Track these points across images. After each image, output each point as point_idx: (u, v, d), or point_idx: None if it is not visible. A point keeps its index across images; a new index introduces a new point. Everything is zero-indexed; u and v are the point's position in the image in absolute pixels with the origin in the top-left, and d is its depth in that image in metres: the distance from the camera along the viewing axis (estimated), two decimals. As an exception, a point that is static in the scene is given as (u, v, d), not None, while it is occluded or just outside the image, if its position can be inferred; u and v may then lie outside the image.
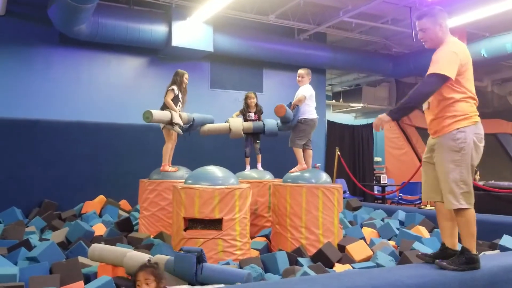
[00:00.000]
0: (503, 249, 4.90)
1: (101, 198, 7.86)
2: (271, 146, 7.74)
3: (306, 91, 5.61)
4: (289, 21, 9.88)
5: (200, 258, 3.41)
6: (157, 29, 8.70)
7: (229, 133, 6.44)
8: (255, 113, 6.64)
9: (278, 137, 6.74)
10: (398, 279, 2.87)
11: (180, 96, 6.03)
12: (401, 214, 6.85)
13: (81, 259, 4.08)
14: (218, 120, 6.74)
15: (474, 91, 3.23)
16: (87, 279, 3.75)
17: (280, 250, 4.78)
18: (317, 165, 5.77)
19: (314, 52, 10.61)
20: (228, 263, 4.17)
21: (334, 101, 15.00)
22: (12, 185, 7.60)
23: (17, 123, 7.82)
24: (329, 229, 5.06)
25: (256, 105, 6.68)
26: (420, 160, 8.56)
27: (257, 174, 6.43)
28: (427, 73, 3.16)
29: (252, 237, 5.41)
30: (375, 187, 11.89)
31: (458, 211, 3.13)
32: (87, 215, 6.76)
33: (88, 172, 8.28)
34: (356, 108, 14.93)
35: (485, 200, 6.68)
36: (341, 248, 4.89)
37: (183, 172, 5.99)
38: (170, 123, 5.78)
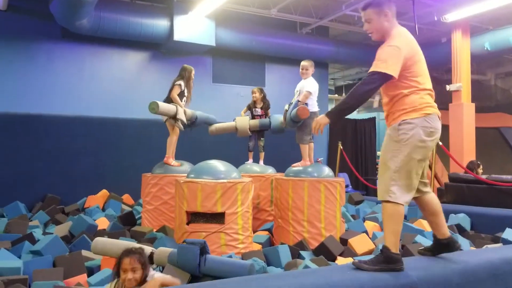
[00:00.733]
0: (506, 242, 4.91)
1: (104, 193, 7.89)
2: (273, 141, 7.73)
3: (311, 87, 5.42)
4: (291, 15, 9.85)
5: (203, 250, 3.41)
6: (159, 24, 8.69)
7: (236, 131, 6.46)
8: (261, 108, 6.64)
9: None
10: (401, 273, 2.88)
11: (185, 91, 6.04)
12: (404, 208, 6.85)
13: (84, 252, 4.10)
14: (220, 115, 6.77)
15: (427, 82, 3.04)
16: (90, 272, 3.77)
17: (282, 243, 4.80)
18: (319, 159, 5.75)
19: (317, 46, 10.58)
20: (230, 257, 4.18)
21: (336, 95, 14.99)
22: (15, 180, 7.64)
23: (20, 118, 7.84)
24: (331, 222, 5.07)
25: (263, 100, 6.67)
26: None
27: (259, 168, 6.43)
28: (369, 70, 2.99)
29: (254, 231, 5.43)
30: (378, 181, 11.86)
31: (387, 204, 2.94)
32: (90, 209, 6.79)
33: (91, 166, 8.30)
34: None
35: (488, 194, 6.66)
36: (343, 241, 4.90)
37: (185, 166, 6.01)
38: (174, 117, 5.79)
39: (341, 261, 4.31)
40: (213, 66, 10.19)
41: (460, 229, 5.66)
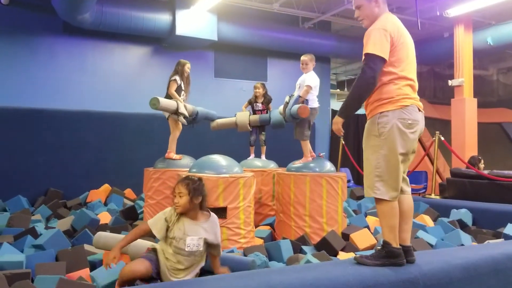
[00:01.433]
0: (508, 237, 4.91)
1: (106, 187, 7.91)
2: (275, 136, 7.74)
3: (311, 81, 5.37)
4: (293, 10, 9.83)
5: (205, 245, 3.43)
6: (161, 18, 8.68)
7: (236, 127, 6.46)
8: (262, 103, 6.63)
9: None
10: (404, 267, 2.89)
11: (183, 86, 6.03)
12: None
13: (87, 246, 4.10)
14: (221, 109, 6.77)
15: (409, 70, 2.96)
16: (93, 266, 3.78)
17: (284, 238, 4.80)
18: (321, 154, 5.73)
19: (319, 40, 10.57)
20: (232, 251, 4.19)
21: (338, 90, 14.98)
22: (17, 174, 7.66)
23: (22, 112, 7.85)
24: (333, 217, 5.07)
25: (264, 95, 6.66)
26: (425, 149, 8.54)
27: (261, 163, 6.43)
28: (363, 53, 2.94)
29: (256, 226, 5.43)
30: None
31: (377, 200, 2.92)
32: (93, 204, 6.80)
33: (93, 161, 8.32)
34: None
35: (490, 189, 6.66)
36: (345, 236, 4.90)
37: (187, 160, 6.00)
38: (176, 112, 5.79)
39: (342, 256, 4.32)
40: (215, 61, 10.18)
41: (461, 225, 5.66)
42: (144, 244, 3.65)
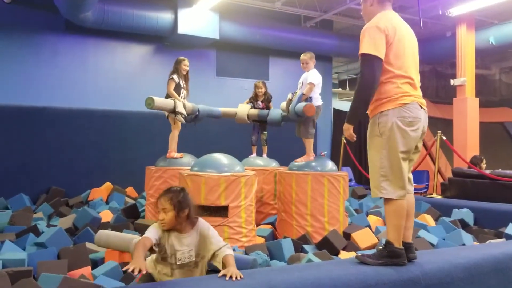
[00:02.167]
0: (509, 237, 4.90)
1: (107, 185, 7.92)
2: (277, 135, 7.73)
3: (314, 79, 5.36)
4: (295, 9, 9.82)
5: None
6: (163, 17, 8.68)
7: (234, 117, 6.47)
8: (262, 101, 6.64)
9: (284, 126, 6.72)
10: (404, 267, 2.89)
11: (182, 83, 6.03)
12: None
13: (88, 245, 4.11)
14: (223, 108, 6.76)
15: (407, 68, 2.93)
16: (94, 264, 3.79)
17: (285, 237, 4.80)
18: (323, 153, 5.74)
19: (321, 39, 10.56)
20: (234, 250, 4.18)
21: (340, 89, 14.97)
22: (19, 172, 7.67)
23: (24, 110, 7.86)
24: (335, 216, 5.07)
25: (265, 94, 6.67)
26: (426, 148, 8.53)
27: (263, 161, 6.43)
28: (359, 53, 2.94)
29: (257, 225, 5.43)
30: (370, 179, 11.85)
31: (385, 200, 2.92)
32: (94, 202, 6.81)
33: (95, 159, 8.33)
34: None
35: (492, 189, 6.66)
36: (347, 235, 4.90)
37: (189, 159, 6.01)
38: (173, 111, 5.78)
39: (344, 255, 4.32)
40: (217, 59, 10.18)
41: (463, 224, 5.66)
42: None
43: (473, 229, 5.52)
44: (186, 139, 6.45)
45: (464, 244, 4.62)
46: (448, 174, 8.38)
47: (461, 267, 3.03)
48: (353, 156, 9.81)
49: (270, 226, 5.54)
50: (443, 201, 6.85)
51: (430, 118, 3.16)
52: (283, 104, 5.91)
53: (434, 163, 8.39)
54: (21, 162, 7.72)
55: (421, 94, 3.01)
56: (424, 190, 9.65)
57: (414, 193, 3.14)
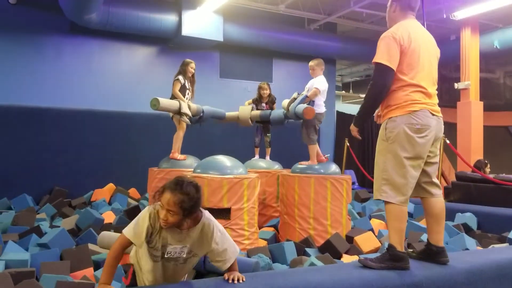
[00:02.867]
0: (512, 242, 4.89)
1: (110, 186, 7.93)
2: (280, 137, 7.73)
3: (320, 85, 5.41)
4: (299, 11, 9.83)
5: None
6: (167, 18, 8.70)
7: (238, 120, 6.47)
8: (266, 103, 6.64)
9: (287, 128, 6.74)
10: (407, 271, 2.88)
11: (187, 85, 6.04)
12: (409, 206, 6.83)
13: (91, 246, 4.12)
14: (227, 110, 6.77)
15: (420, 77, 2.96)
16: (97, 265, 3.79)
17: (288, 240, 4.79)
18: (326, 156, 5.74)
19: (324, 42, 10.56)
20: (236, 252, 4.18)
21: (344, 91, 14.96)
22: (23, 173, 7.68)
23: (28, 111, 7.88)
24: (338, 220, 5.06)
25: (269, 95, 6.68)
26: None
27: (266, 164, 6.43)
28: (372, 61, 3.01)
29: (260, 227, 5.43)
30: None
31: (385, 203, 2.95)
32: (97, 203, 6.82)
33: (98, 160, 8.34)
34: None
35: (496, 193, 6.63)
36: (349, 239, 4.89)
37: (192, 161, 6.01)
38: (178, 112, 5.79)
39: (346, 258, 4.31)
40: (220, 61, 10.19)
41: (466, 228, 5.64)
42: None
43: (476, 233, 5.50)
44: (189, 141, 6.45)
45: (467, 249, 4.60)
46: (452, 178, 8.35)
47: (464, 271, 3.02)
48: (356, 159, 9.80)
49: (272, 229, 5.54)
50: (447, 205, 6.74)
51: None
52: (285, 102, 5.90)
53: (437, 167, 8.36)
54: (24, 163, 7.74)
55: (435, 101, 3.04)
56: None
57: (417, 197, 3.14)
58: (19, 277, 3.05)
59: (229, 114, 6.68)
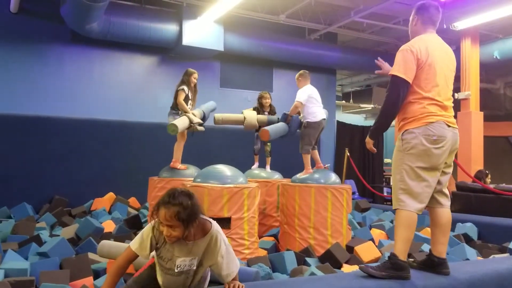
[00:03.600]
0: (513, 252, 4.87)
1: (110, 195, 7.92)
2: (280, 147, 7.73)
3: (300, 96, 5.46)
4: (300, 21, 9.87)
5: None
6: (168, 28, 8.74)
7: (242, 123, 6.41)
8: (268, 113, 6.65)
9: (287, 138, 6.71)
10: (407, 281, 2.87)
11: (190, 95, 6.07)
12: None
13: (91, 255, 4.11)
14: (228, 119, 6.77)
15: (436, 91, 3.00)
16: (96, 274, 3.78)
17: (288, 250, 4.78)
18: (326, 165, 5.75)
19: (325, 52, 10.59)
20: (236, 262, 4.17)
21: (344, 101, 14.97)
22: (23, 181, 7.68)
23: (29, 120, 7.89)
24: (338, 229, 5.05)
25: (270, 105, 6.69)
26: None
27: (266, 173, 6.43)
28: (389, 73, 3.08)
29: (260, 237, 5.42)
30: (385, 189, 11.84)
31: (398, 210, 2.98)
32: (97, 212, 6.81)
33: (98, 169, 8.34)
34: (366, 109, 14.88)
35: (496, 203, 6.62)
36: (350, 249, 4.88)
37: (192, 170, 6.01)
38: (191, 125, 5.85)
39: (347, 268, 4.30)
40: (221, 71, 10.22)
41: (467, 239, 5.63)
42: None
43: (477, 243, 5.49)
44: (189, 150, 6.46)
45: (467, 259, 4.59)
46: (452, 188, 8.35)
47: (464, 282, 3.01)
48: (357, 169, 9.80)
49: (272, 238, 5.52)
50: (447, 215, 6.80)
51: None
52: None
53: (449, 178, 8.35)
54: (24, 171, 7.74)
55: (451, 114, 3.09)
56: (428, 204, 9.60)
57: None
58: (18, 286, 3.05)
59: (233, 115, 6.60)
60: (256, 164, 6.70)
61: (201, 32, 8.90)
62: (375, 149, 3.28)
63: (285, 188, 5.37)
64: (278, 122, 6.34)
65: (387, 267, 2.90)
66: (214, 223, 2.54)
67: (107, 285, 2.40)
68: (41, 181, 7.83)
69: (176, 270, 2.45)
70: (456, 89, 10.51)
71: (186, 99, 6.00)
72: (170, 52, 9.43)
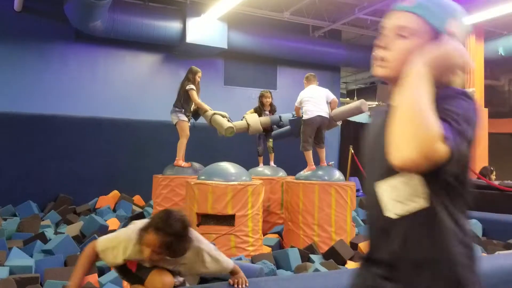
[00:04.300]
0: (518, 249, 4.85)
1: (115, 193, 7.94)
2: (284, 144, 7.73)
3: (298, 99, 5.69)
4: (304, 18, 9.85)
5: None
6: (172, 26, 8.74)
7: (247, 130, 6.42)
8: (269, 111, 6.64)
9: (292, 138, 6.72)
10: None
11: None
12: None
13: (95, 252, 4.11)
14: (231, 117, 6.76)
15: None
16: (101, 272, 3.79)
17: (292, 247, 4.79)
18: (330, 163, 5.76)
19: (329, 49, 10.57)
20: (240, 259, 4.18)
21: (348, 99, 14.93)
22: (28, 180, 7.71)
23: (33, 118, 7.92)
24: (342, 226, 5.05)
25: (271, 104, 6.69)
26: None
27: (270, 171, 6.43)
28: None
29: (264, 234, 5.42)
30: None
31: None
32: (102, 210, 6.83)
33: (102, 167, 8.36)
34: (370, 106, 14.85)
35: (500, 200, 6.60)
36: (354, 246, 4.88)
37: (196, 168, 6.03)
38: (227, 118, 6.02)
39: (351, 265, 4.30)
40: (224, 69, 10.22)
41: (471, 235, 5.61)
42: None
43: (481, 240, 5.47)
44: (193, 148, 6.47)
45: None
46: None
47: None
48: (361, 166, 9.77)
49: (277, 235, 5.53)
50: (452, 212, 6.78)
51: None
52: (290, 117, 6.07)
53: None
54: (29, 170, 7.77)
55: None
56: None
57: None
58: (23, 283, 3.06)
59: (237, 124, 6.61)
60: (261, 165, 6.70)
61: (205, 29, 8.90)
62: None
63: (289, 186, 5.37)
64: (279, 120, 6.36)
65: None
66: (194, 235, 2.35)
67: (76, 276, 2.26)
68: (45, 179, 7.86)
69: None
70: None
71: None
72: (174, 50, 9.44)
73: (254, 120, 6.42)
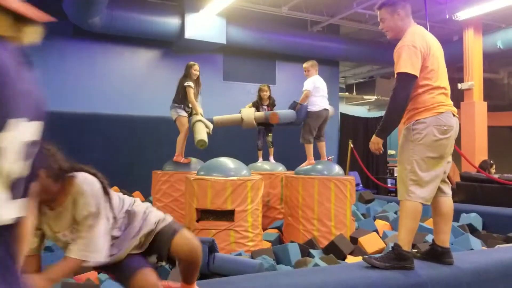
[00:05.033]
0: (518, 242, 4.86)
1: (114, 189, 7.88)
2: (284, 138, 7.73)
3: (308, 85, 5.54)
4: (302, 13, 9.83)
5: (212, 248, 3.42)
6: (170, 21, 8.72)
7: (241, 124, 6.42)
8: (268, 105, 6.64)
9: (290, 129, 6.71)
10: (411, 271, 2.86)
11: (194, 87, 6.07)
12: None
13: (95, 248, 4.11)
14: (230, 113, 6.74)
15: (441, 79, 3.04)
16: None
17: (292, 241, 4.79)
18: (330, 157, 5.76)
19: (327, 44, 10.55)
20: (240, 254, 4.18)
21: (347, 93, 14.94)
22: (27, 176, 7.69)
23: (32, 115, 7.89)
24: (342, 221, 5.05)
25: (269, 97, 6.68)
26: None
27: (270, 166, 6.42)
28: (395, 72, 3.02)
29: (264, 229, 5.42)
30: (389, 180, 11.83)
31: (404, 201, 2.97)
32: (101, 206, 6.82)
33: (101, 163, 8.21)
34: (369, 100, 14.84)
35: (500, 193, 6.61)
36: (354, 240, 4.88)
37: (195, 163, 6.03)
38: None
39: (351, 259, 4.30)
40: (223, 64, 10.20)
41: (471, 229, 5.62)
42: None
43: (481, 234, 5.48)
44: (193, 143, 6.45)
45: (472, 249, 4.58)
46: (456, 178, 8.33)
47: (469, 272, 3.01)
48: (360, 161, 9.78)
49: (276, 230, 5.53)
50: (451, 205, 6.79)
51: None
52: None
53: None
54: (29, 166, 7.75)
55: (452, 102, 3.09)
56: (432, 195, 9.58)
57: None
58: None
59: (231, 116, 6.61)
60: (260, 160, 6.70)
61: (204, 25, 8.87)
62: (382, 148, 3.17)
63: (288, 180, 5.37)
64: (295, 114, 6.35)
65: (390, 258, 2.90)
66: (82, 174, 2.04)
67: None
68: (45, 176, 7.84)
69: (64, 251, 2.06)
70: (460, 79, 10.47)
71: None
72: (173, 45, 9.42)
73: (248, 115, 6.40)
